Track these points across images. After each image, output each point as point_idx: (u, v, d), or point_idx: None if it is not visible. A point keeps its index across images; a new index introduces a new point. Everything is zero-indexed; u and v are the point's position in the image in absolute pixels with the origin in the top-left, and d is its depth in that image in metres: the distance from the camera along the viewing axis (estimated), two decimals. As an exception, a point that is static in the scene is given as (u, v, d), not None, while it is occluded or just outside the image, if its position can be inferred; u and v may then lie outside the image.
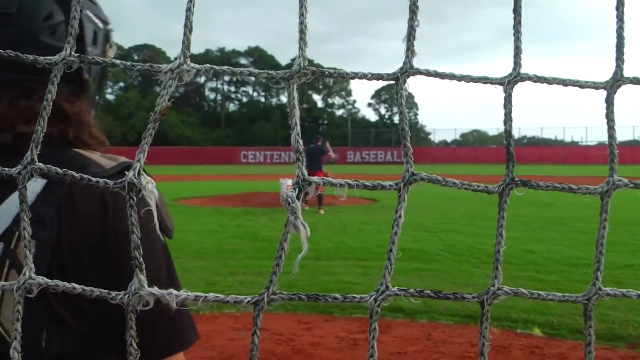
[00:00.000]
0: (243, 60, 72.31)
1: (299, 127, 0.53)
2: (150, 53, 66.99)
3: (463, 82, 0.58)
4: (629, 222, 10.65)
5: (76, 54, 0.55)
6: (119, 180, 0.52)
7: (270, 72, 0.54)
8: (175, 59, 0.55)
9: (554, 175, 26.77)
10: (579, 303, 0.63)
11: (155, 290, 0.51)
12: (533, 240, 9.14)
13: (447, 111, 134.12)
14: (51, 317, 0.87)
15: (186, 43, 0.54)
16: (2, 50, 0.56)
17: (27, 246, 0.52)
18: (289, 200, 0.51)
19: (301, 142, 0.52)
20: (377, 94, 77.70)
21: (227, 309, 5.35)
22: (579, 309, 0.61)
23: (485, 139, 72.90)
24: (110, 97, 63.01)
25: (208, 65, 0.55)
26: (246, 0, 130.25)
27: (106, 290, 0.53)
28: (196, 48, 67.14)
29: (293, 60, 0.59)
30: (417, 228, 10.35)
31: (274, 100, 74.67)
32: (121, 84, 68.47)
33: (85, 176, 0.53)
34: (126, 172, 0.53)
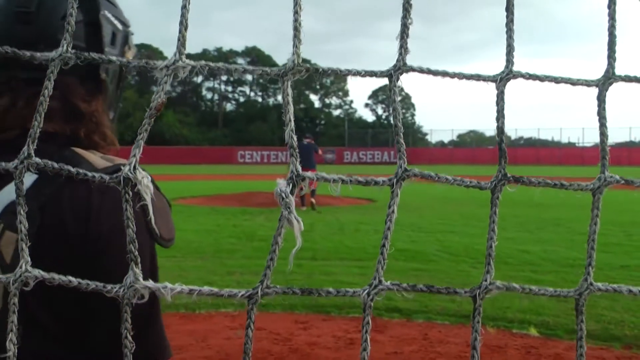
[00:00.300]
0: (240, 60, 72.15)
1: (293, 123, 0.53)
2: (147, 53, 66.92)
3: (456, 79, 0.58)
4: (624, 222, 10.69)
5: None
6: (114, 175, 0.53)
7: (264, 68, 0.55)
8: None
9: (550, 176, 26.78)
10: (572, 298, 0.63)
11: (150, 283, 0.51)
12: (529, 241, 9.16)
13: (444, 112, 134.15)
14: (27, 319, 0.86)
15: (181, 40, 0.55)
16: (1, 49, 0.56)
17: (24, 239, 0.53)
18: (283, 195, 0.51)
19: (295, 138, 0.53)
20: (374, 94, 77.64)
21: (224, 308, 5.35)
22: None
23: (483, 140, 72.88)
24: (107, 96, 62.73)
25: (203, 62, 0.55)
26: (246, 0, 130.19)
27: (102, 284, 0.53)
28: (193, 48, 67.13)
29: (290, 60, 0.59)
30: (414, 229, 10.37)
31: (271, 100, 74.59)
32: (119, 84, 68.27)
33: (81, 171, 0.53)
34: (122, 168, 0.53)
